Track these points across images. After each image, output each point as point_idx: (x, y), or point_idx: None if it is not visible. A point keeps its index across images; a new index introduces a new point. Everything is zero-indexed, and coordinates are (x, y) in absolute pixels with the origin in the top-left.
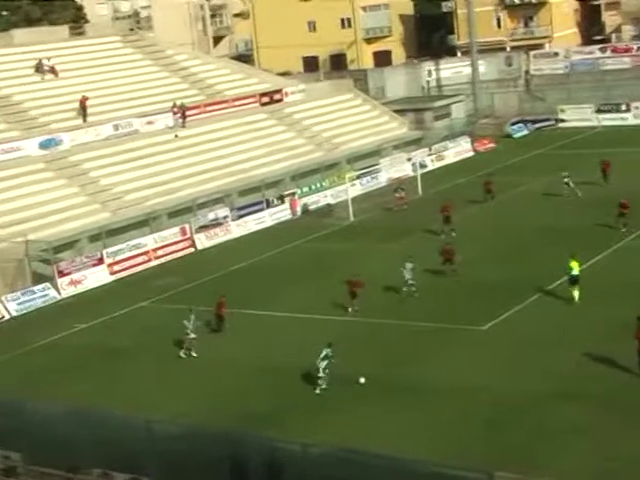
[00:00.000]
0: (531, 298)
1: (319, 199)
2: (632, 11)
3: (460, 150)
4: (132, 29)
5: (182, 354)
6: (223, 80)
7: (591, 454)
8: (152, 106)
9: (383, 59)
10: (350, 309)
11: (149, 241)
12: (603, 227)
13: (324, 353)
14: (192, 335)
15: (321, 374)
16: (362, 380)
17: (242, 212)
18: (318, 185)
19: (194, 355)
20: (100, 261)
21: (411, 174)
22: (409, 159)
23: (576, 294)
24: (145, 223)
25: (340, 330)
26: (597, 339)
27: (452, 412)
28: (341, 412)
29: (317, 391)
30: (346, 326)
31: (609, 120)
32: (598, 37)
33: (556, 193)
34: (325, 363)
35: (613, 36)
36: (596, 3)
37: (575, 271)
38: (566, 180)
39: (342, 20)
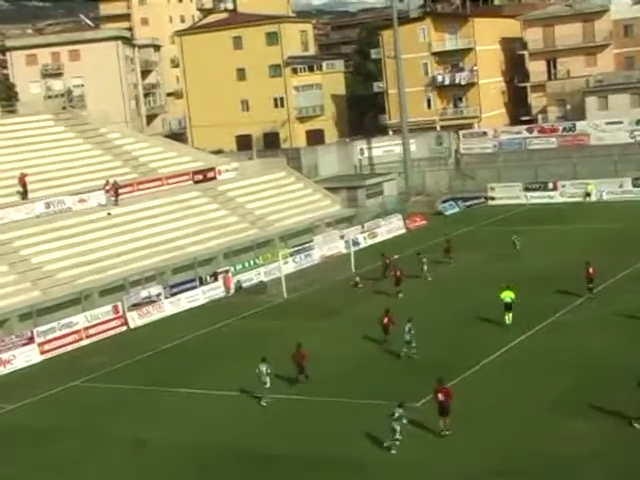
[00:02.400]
0: (463, 374)
1: (252, 276)
2: (556, 93)
3: (392, 227)
4: (64, 107)
5: (263, 403)
6: (156, 158)
7: None
8: (85, 184)
9: (316, 138)
10: (300, 378)
11: (80, 320)
12: (534, 303)
13: (397, 414)
14: (268, 384)
15: (397, 436)
16: None
17: (175, 290)
18: (251, 262)
19: (264, 405)
20: (30, 340)
21: (344, 251)
22: (342, 236)
23: (508, 318)
24: (77, 301)
25: (274, 409)
26: (529, 415)
27: None
28: None
29: (393, 451)
30: (280, 405)
31: (537, 198)
32: (525, 117)
33: (485, 269)
34: (399, 424)
35: (539, 117)
36: (522, 85)
37: (508, 299)
38: (423, 259)
39: (275, 99)
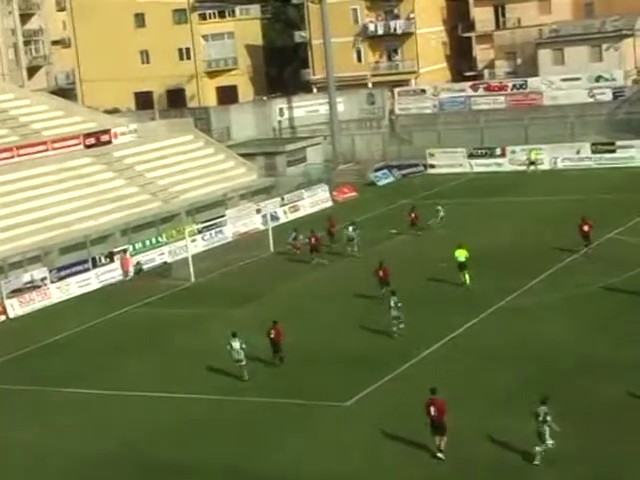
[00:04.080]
0: (401, 367)
1: (155, 257)
2: (506, 45)
3: (317, 200)
4: None
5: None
6: (40, 118)
7: None
8: None
9: (228, 96)
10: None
11: None
12: (484, 289)
13: (541, 414)
14: (244, 361)
15: (549, 441)
16: None
17: (63, 273)
18: (154, 241)
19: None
20: None
21: (261, 228)
22: (258, 210)
23: (466, 277)
24: None
25: (180, 410)
26: (477, 414)
27: None
28: None
29: (537, 462)
30: (184, 405)
31: (483, 166)
32: (469, 73)
33: (423, 250)
34: (547, 425)
35: (486, 72)
36: (466, 35)
37: (462, 257)
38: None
39: (180, 50)
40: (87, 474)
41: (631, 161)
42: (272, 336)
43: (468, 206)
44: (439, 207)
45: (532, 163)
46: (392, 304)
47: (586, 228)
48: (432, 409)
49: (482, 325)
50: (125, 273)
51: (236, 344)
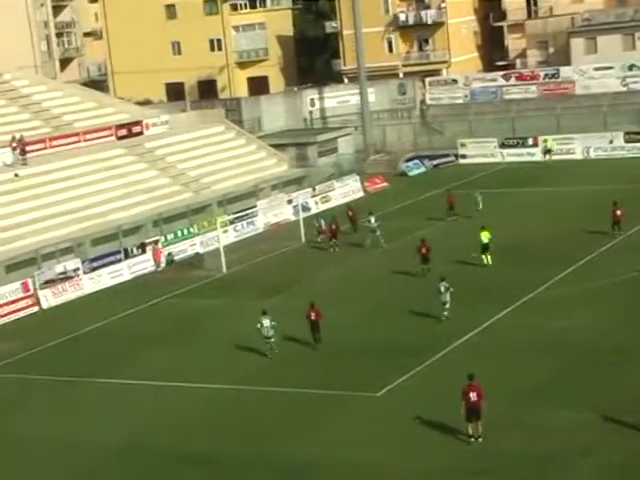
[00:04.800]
0: (428, 360)
1: (186, 248)
2: (538, 34)
3: (348, 190)
4: None
5: (271, 356)
6: (72, 110)
7: None
8: None
9: (259, 86)
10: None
11: None
12: (517, 279)
13: (443, 288)
14: (273, 338)
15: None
16: None
17: (96, 264)
18: (185, 232)
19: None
20: None
21: (292, 218)
22: (290, 201)
23: (488, 259)
24: None
25: (209, 400)
26: (506, 406)
27: None
28: None
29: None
30: (216, 395)
31: (514, 156)
32: (501, 63)
33: (455, 239)
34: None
35: (517, 61)
36: (498, 25)
37: (485, 239)
38: (372, 225)
39: (211, 41)
40: (114, 464)
41: None
42: (312, 318)
43: (500, 196)
44: (478, 195)
45: (548, 151)
46: (442, 289)
47: (619, 212)
48: (472, 394)
49: (515, 315)
50: (157, 264)
51: (266, 322)
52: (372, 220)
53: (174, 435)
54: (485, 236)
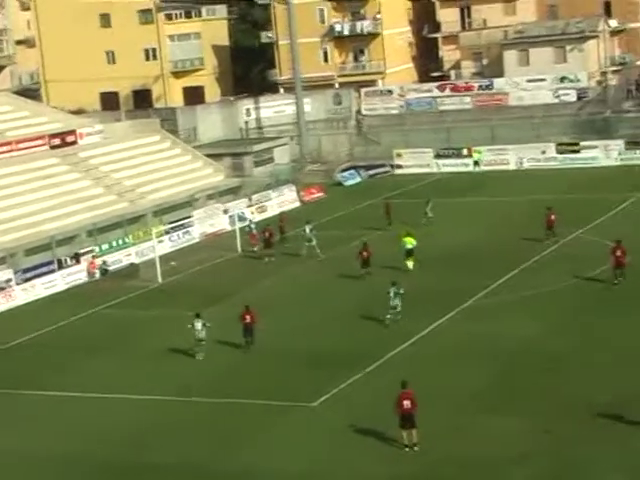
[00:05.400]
0: (365, 369)
1: (122, 258)
2: (471, 45)
3: (284, 200)
4: None
5: (200, 357)
6: (4, 119)
7: None
8: None
9: (195, 96)
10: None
11: None
12: (455, 286)
13: (392, 292)
14: (204, 342)
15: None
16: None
17: (28, 274)
18: (120, 242)
19: (200, 359)
20: None
21: (228, 228)
22: (226, 211)
23: (410, 265)
24: None
25: (146, 412)
26: (444, 414)
27: None
28: None
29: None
30: (151, 406)
31: (450, 166)
32: (436, 74)
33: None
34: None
35: (452, 73)
36: (432, 36)
37: (409, 245)
38: (307, 235)
39: (146, 51)
40: (46, 477)
41: (595, 161)
42: (247, 320)
43: (438, 206)
44: (428, 204)
45: (476, 163)
46: (392, 294)
47: (552, 217)
48: (405, 402)
49: (449, 324)
50: (91, 274)
51: (198, 324)
52: (307, 230)
53: (105, 446)
54: (409, 242)
